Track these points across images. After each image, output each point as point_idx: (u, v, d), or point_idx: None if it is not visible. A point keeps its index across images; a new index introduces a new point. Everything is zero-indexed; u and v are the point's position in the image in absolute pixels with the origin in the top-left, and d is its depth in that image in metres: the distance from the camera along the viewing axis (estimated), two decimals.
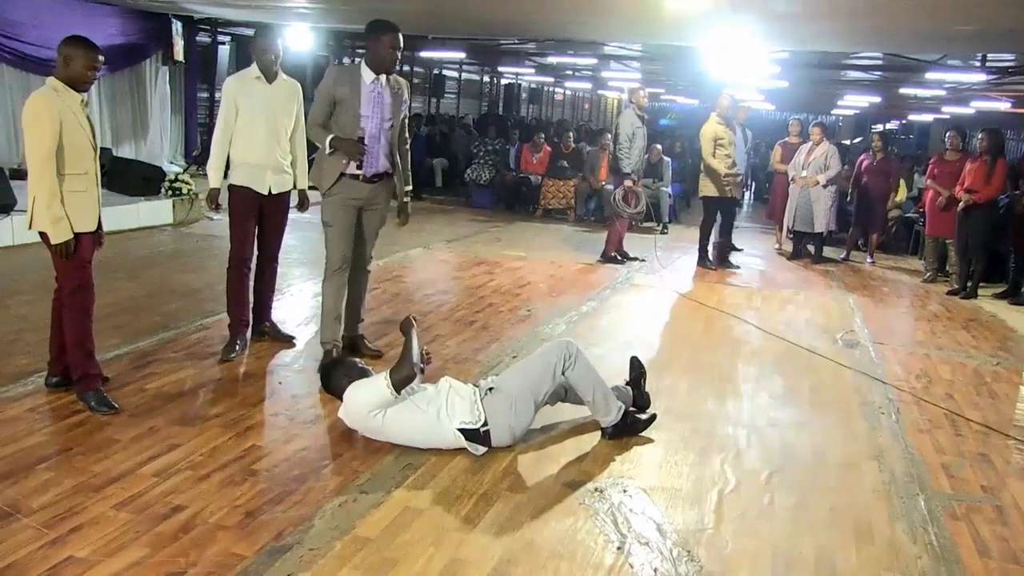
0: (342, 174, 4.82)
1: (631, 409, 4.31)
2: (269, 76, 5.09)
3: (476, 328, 6.16)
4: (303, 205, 5.53)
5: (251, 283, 5.37)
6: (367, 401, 3.88)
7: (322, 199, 4.93)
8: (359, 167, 4.81)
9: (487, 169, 13.51)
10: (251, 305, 5.40)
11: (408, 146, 5.18)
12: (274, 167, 5.15)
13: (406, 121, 5.14)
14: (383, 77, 4.80)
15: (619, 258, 9.27)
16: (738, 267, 9.43)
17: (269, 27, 5.27)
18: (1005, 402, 5.36)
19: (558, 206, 12.72)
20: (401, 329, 4.13)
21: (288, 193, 5.32)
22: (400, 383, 3.83)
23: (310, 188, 5.25)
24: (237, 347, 5.17)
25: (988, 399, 5.37)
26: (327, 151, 4.76)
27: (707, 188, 9.22)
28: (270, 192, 5.17)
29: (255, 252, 5.34)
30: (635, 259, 9.35)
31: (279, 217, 5.33)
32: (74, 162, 3.99)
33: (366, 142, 4.73)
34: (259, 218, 5.25)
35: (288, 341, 5.47)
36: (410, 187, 5.25)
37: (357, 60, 7.16)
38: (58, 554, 2.89)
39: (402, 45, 4.75)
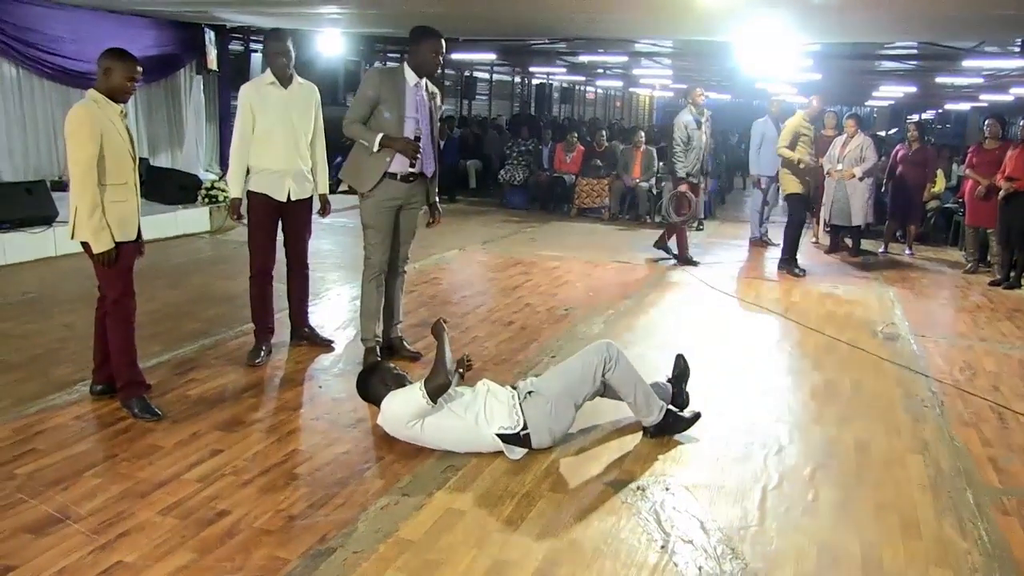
0: (385, 174, 4.83)
1: (671, 408, 4.27)
2: (284, 81, 5.04)
3: (514, 329, 6.16)
4: (324, 211, 5.44)
5: (272, 290, 5.31)
6: (404, 412, 3.89)
7: (360, 200, 4.95)
8: (412, 166, 4.84)
9: (520, 169, 13.51)
10: (274, 313, 5.36)
11: (441, 149, 5.18)
12: (294, 173, 5.11)
13: (439, 125, 5.21)
14: (424, 81, 4.88)
15: (692, 260, 9.05)
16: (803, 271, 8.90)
17: (280, 30, 5.22)
18: None
19: (592, 205, 12.69)
20: (433, 333, 4.12)
21: (310, 199, 5.28)
22: (435, 392, 3.83)
23: (348, 191, 5.28)
24: (262, 353, 5.19)
25: None
26: (375, 149, 4.77)
27: (791, 185, 8.87)
28: (289, 199, 5.12)
29: (275, 260, 5.28)
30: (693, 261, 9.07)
31: (301, 223, 5.29)
32: (114, 172, 4.04)
33: (421, 142, 4.79)
34: (281, 225, 5.22)
35: (327, 345, 5.49)
36: (437, 189, 5.27)
37: (387, 64, 7.13)
38: (107, 559, 2.93)
39: (444, 50, 4.86)
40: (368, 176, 4.87)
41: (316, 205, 5.37)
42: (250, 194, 5.10)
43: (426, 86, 4.92)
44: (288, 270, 5.41)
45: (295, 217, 5.23)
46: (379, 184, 4.85)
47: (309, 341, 5.51)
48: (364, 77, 4.96)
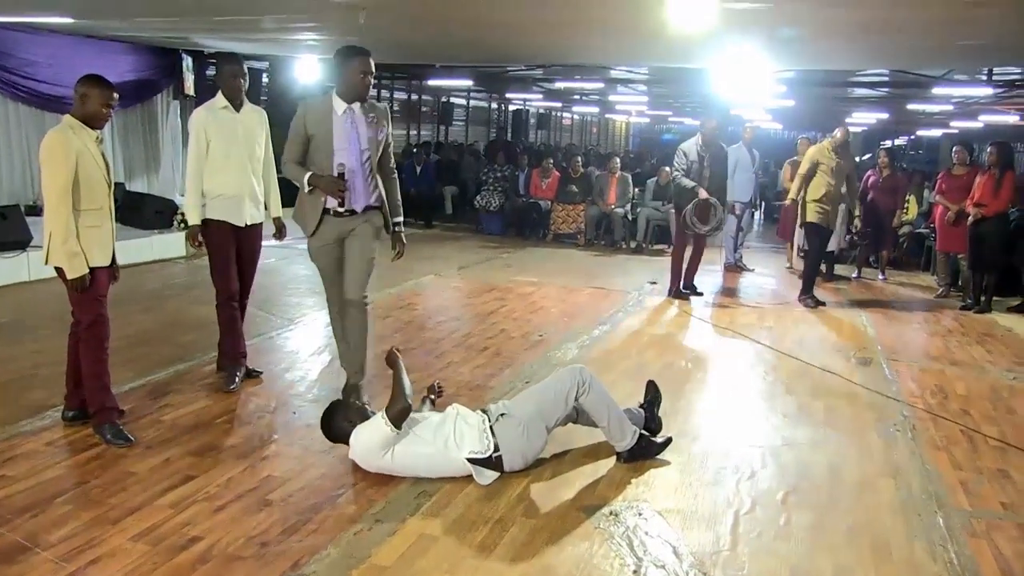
0: (325, 211, 4.61)
1: (643, 433, 4.30)
2: (236, 104, 5.01)
3: (489, 354, 6.17)
4: (280, 234, 5.40)
5: (240, 314, 5.24)
6: (372, 443, 3.87)
7: (308, 240, 4.74)
8: (341, 204, 4.57)
9: (497, 195, 13.57)
10: (244, 337, 5.31)
11: (395, 175, 4.92)
12: (250, 196, 5.08)
13: (389, 150, 4.84)
14: (356, 106, 4.57)
15: (689, 290, 8.77)
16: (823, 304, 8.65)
17: (233, 54, 5.19)
18: (1023, 417, 5.32)
19: (568, 230, 12.75)
20: (387, 363, 4.11)
21: (261, 224, 5.23)
22: (397, 418, 3.82)
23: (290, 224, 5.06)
24: (237, 379, 5.15)
25: (1005, 414, 5.34)
26: (306, 189, 4.56)
27: (810, 212, 8.51)
28: (246, 224, 5.09)
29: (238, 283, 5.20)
30: (699, 293, 8.81)
31: (254, 248, 5.24)
32: (89, 198, 4.05)
33: (346, 177, 4.48)
34: (236, 249, 5.13)
35: (256, 377, 5.34)
36: (401, 217, 4.97)
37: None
38: None
39: (374, 70, 4.56)
40: (310, 217, 4.65)
41: (270, 229, 5.32)
42: (208, 222, 5.01)
43: (361, 111, 4.59)
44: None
45: (250, 242, 5.18)
46: (320, 223, 4.63)
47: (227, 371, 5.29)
48: (297, 112, 4.64)
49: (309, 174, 4.51)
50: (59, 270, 4.08)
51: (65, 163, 3.93)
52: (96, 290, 4.14)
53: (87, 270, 4.06)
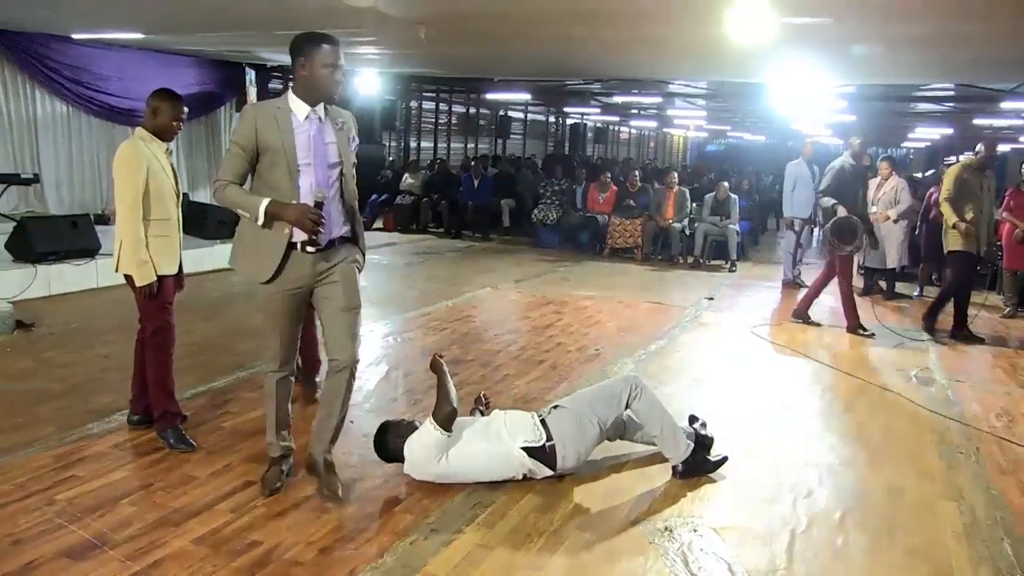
0: (291, 246, 3.55)
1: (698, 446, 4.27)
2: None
3: (545, 367, 6.19)
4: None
5: (316, 327, 5.19)
6: (425, 450, 3.90)
7: (259, 286, 3.64)
8: (313, 241, 3.51)
9: (554, 209, 13.60)
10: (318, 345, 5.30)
11: (357, 201, 3.80)
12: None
13: (354, 168, 3.76)
14: (320, 109, 3.59)
15: (801, 319, 8.23)
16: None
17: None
18: None
19: (625, 245, 12.72)
20: (432, 370, 4.12)
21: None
22: (445, 421, 3.86)
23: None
24: (318, 385, 5.21)
25: None
26: (259, 221, 3.45)
27: (953, 240, 7.67)
28: None
29: None
30: (869, 333, 7.88)
31: None
32: (159, 208, 4.18)
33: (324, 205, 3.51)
34: None
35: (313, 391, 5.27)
36: (364, 255, 3.92)
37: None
38: None
39: (343, 62, 3.56)
40: (267, 257, 3.56)
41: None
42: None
43: (324, 117, 3.60)
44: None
45: None
46: (283, 264, 3.57)
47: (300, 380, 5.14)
48: (240, 117, 3.59)
49: (266, 201, 3.44)
50: (128, 277, 4.21)
51: (137, 174, 4.07)
52: (163, 298, 4.26)
53: (155, 278, 4.18)
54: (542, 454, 3.94)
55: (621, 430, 4.30)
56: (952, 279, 7.98)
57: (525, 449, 3.93)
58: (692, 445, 4.22)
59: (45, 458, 4.06)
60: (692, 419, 4.53)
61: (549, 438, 3.96)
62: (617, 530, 3.64)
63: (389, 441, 4.08)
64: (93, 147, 10.39)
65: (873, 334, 7.79)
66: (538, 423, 4.02)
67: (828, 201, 7.78)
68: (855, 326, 7.88)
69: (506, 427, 3.98)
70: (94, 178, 10.45)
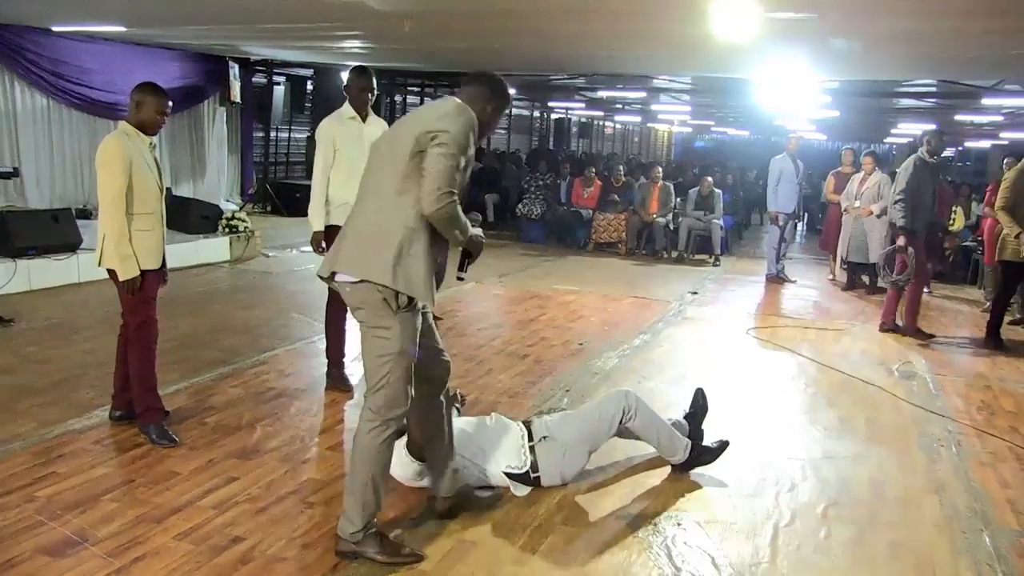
0: (441, 273, 3.51)
1: (695, 442, 4.26)
2: (364, 115, 5.16)
3: (529, 362, 6.19)
4: None
5: (346, 321, 5.24)
6: (402, 469, 3.82)
7: (395, 315, 3.12)
8: (465, 269, 3.44)
9: (538, 203, 13.60)
10: (345, 343, 5.36)
11: None
12: None
13: None
14: None
15: (923, 333, 7.67)
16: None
17: (363, 68, 5.26)
18: None
19: (609, 240, 12.74)
20: None
21: None
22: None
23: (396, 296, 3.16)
24: (331, 379, 5.30)
25: None
26: (461, 242, 3.25)
27: (1006, 249, 7.36)
28: None
29: None
30: (931, 336, 7.66)
31: None
32: (142, 202, 4.14)
33: None
34: None
35: (347, 391, 5.31)
36: None
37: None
38: None
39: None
40: (430, 278, 3.20)
41: None
42: (331, 228, 5.07)
43: None
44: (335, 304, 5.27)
45: None
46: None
47: (334, 382, 5.35)
48: (460, 121, 3.11)
49: (474, 227, 3.29)
50: (111, 272, 4.18)
51: (120, 168, 4.03)
52: (146, 293, 4.23)
53: (138, 272, 4.15)
54: (524, 479, 3.87)
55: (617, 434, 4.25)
56: (1002, 289, 7.72)
57: (507, 474, 3.86)
58: (689, 445, 4.21)
59: (25, 455, 4.02)
60: (696, 399, 4.51)
61: (535, 469, 3.87)
62: (602, 525, 3.65)
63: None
64: (75, 141, 10.29)
65: (932, 336, 7.63)
66: (526, 448, 3.88)
67: (897, 214, 7.41)
68: (915, 329, 7.68)
69: (489, 447, 3.88)
70: (76, 172, 10.36)
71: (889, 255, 7.68)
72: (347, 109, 5.16)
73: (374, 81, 5.20)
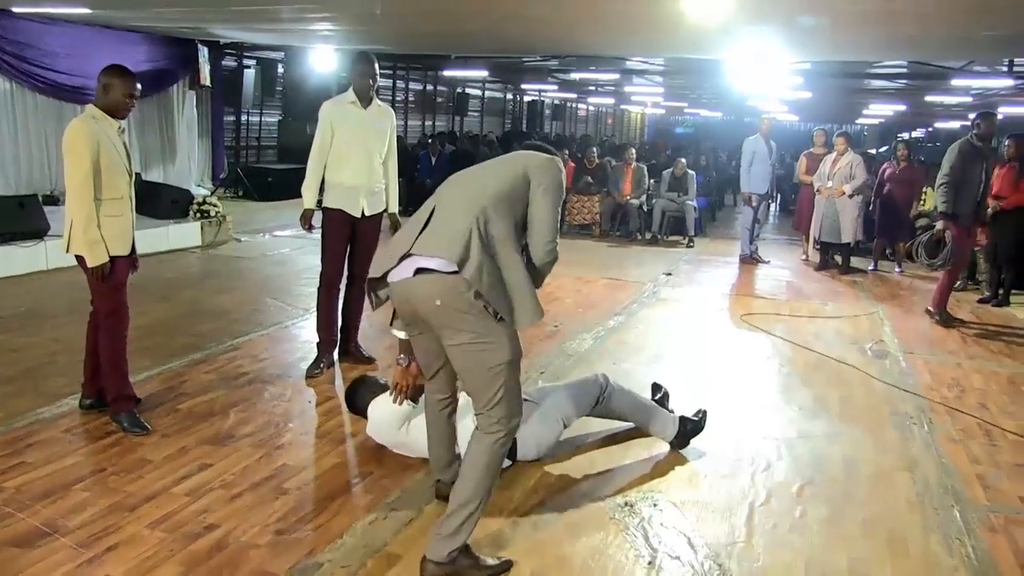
0: None
1: (683, 416, 4.31)
2: (364, 101, 5.16)
3: None
4: (395, 228, 5.34)
5: (340, 304, 5.39)
6: (388, 416, 3.92)
7: (497, 323, 3.04)
8: None
9: None
10: (338, 325, 5.41)
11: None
12: (368, 190, 5.20)
13: None
14: None
15: (951, 318, 7.57)
16: None
17: (366, 55, 5.27)
18: None
19: (583, 221, 12.74)
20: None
21: (380, 215, 5.36)
22: (415, 392, 3.83)
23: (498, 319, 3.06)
24: (322, 365, 5.27)
25: (1023, 408, 5.30)
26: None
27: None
28: (363, 214, 5.21)
29: (343, 273, 5.36)
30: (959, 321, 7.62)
31: (371, 239, 5.30)
32: (110, 187, 4.07)
33: None
34: (351, 239, 5.27)
35: (370, 363, 5.47)
36: None
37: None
38: (95, 573, 2.94)
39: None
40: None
41: (385, 223, 5.42)
42: (326, 210, 5.19)
43: None
44: (348, 285, 5.42)
45: (366, 233, 5.28)
46: None
47: (353, 358, 5.49)
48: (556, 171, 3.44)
49: None
50: (80, 258, 4.10)
51: (88, 152, 3.95)
52: (116, 279, 4.16)
53: (108, 258, 4.08)
54: None
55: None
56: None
57: None
58: (677, 417, 4.27)
59: None
60: (655, 388, 4.57)
61: None
62: (578, 507, 3.65)
63: (360, 395, 4.16)
64: (41, 125, 10.13)
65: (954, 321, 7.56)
66: None
67: (939, 199, 7.22)
68: (941, 311, 7.59)
69: (468, 408, 3.92)
70: (42, 158, 10.20)
71: (929, 241, 7.49)
72: (349, 94, 5.20)
73: (376, 67, 5.20)
